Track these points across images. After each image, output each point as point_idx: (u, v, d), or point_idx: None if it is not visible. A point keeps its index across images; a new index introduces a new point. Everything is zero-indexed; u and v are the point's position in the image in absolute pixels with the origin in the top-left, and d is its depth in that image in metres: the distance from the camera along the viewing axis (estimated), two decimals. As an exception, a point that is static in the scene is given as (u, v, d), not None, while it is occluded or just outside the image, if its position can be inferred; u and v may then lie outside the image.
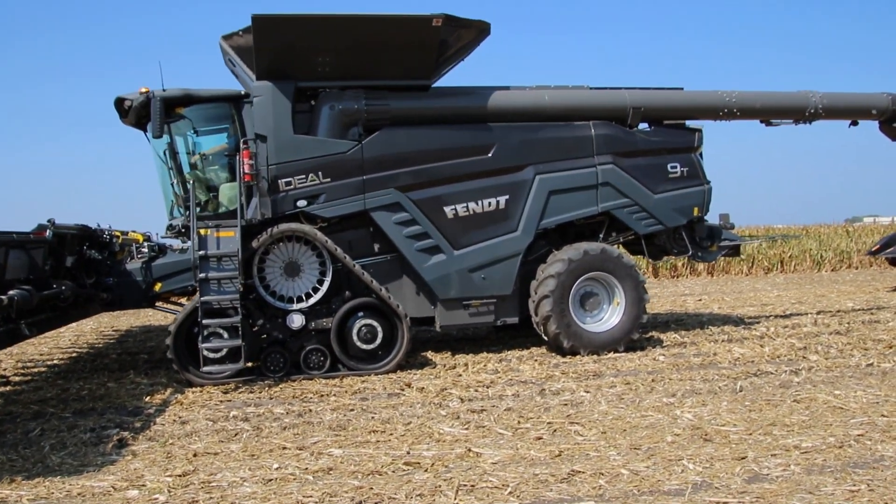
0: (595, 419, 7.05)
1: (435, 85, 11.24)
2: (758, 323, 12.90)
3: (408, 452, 6.23)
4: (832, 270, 26.78)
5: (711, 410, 7.16)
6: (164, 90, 9.62)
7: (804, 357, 9.68)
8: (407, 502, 5.11)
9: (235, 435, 7.05)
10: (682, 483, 5.21)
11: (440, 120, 10.30)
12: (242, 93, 9.98)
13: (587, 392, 8.16)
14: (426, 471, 5.74)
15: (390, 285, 10.27)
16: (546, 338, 10.28)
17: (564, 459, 5.86)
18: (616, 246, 11.76)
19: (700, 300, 17.73)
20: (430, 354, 10.80)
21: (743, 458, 5.66)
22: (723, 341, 11.00)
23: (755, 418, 6.83)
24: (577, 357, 10.11)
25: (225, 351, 9.24)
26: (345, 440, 6.70)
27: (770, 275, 25.94)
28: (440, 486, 5.37)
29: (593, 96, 10.83)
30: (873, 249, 19.40)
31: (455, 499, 5.13)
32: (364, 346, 9.63)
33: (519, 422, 7.04)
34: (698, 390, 8.06)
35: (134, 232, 11.59)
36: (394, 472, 5.76)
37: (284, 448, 6.53)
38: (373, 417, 7.45)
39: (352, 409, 7.85)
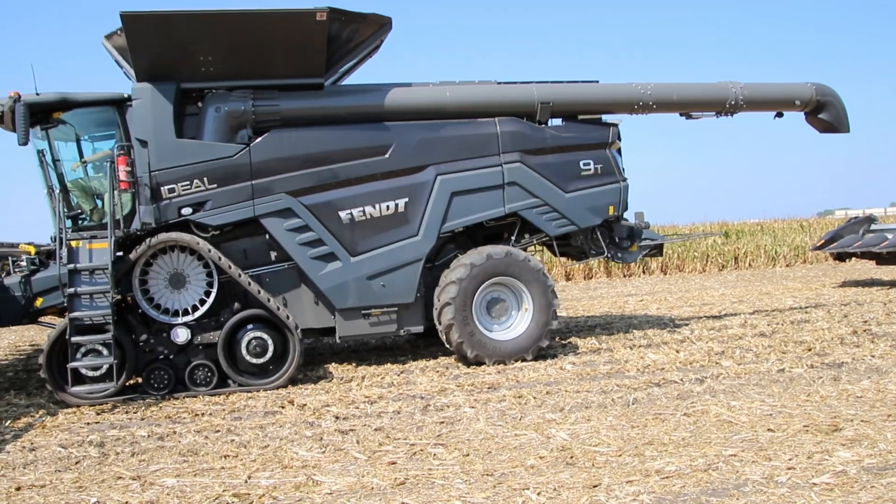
0: (465, 439, 6.55)
1: (344, 83, 10.83)
2: (686, 325, 12.46)
3: (245, 481, 5.71)
4: (787, 266, 26.46)
5: (592, 427, 6.68)
6: (36, 94, 9.05)
7: (717, 363, 9.23)
8: (207, 546, 4.59)
9: (77, 463, 6.50)
10: (516, 517, 4.72)
11: (335, 120, 9.78)
12: (126, 96, 9.41)
13: (472, 407, 7.66)
14: (250, 505, 5.23)
15: (289, 295, 9.78)
16: (450, 347, 9.79)
17: (405, 489, 5.35)
18: (534, 249, 11.34)
19: (642, 300, 17.30)
20: (332, 366, 10.28)
21: (595, 486, 5.17)
22: (640, 346, 10.54)
23: (633, 436, 6.35)
24: (482, 367, 9.62)
25: (104, 369, 8.70)
26: (188, 468, 6.16)
27: (724, 272, 25.58)
28: (252, 524, 4.86)
29: (498, 91, 10.33)
30: (818, 244, 19.04)
31: (260, 540, 4.62)
32: (254, 361, 9.11)
33: (381, 444, 6.53)
34: (590, 403, 7.58)
35: (29, 244, 10.97)
36: (216, 507, 5.24)
37: (119, 478, 5.99)
38: (233, 440, 6.92)
39: (217, 431, 7.31)
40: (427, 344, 11.53)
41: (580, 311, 15.66)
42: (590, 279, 24.39)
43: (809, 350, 9.77)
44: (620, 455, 5.86)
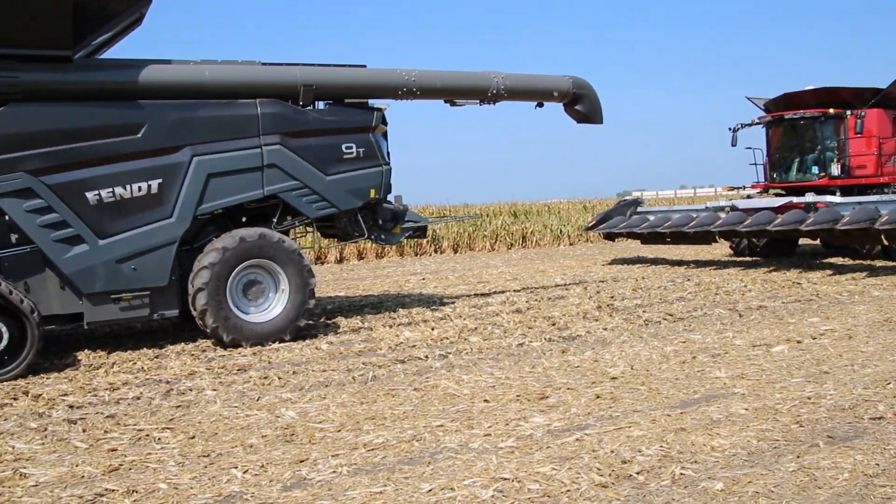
0: (196, 422, 6.59)
1: (102, 56, 10.44)
2: (453, 303, 13.03)
3: (-53, 478, 5.47)
4: (571, 245, 28.13)
5: (324, 405, 6.91)
6: None
7: (466, 339, 9.74)
8: None
9: None
10: (215, 495, 4.83)
11: (84, 96, 9.37)
12: None
13: (214, 390, 7.68)
14: (-60, 502, 5.02)
15: (32, 280, 9.27)
16: (206, 331, 9.72)
17: (116, 475, 5.32)
18: (303, 230, 11.44)
19: (424, 279, 17.85)
20: (84, 353, 9.88)
21: (302, 461, 5.38)
22: (399, 325, 10.94)
23: (359, 412, 6.63)
24: (239, 349, 9.64)
25: None
26: None
27: (511, 250, 26.83)
28: (-65, 521, 4.69)
29: (260, 72, 10.30)
30: (590, 225, 20.39)
31: (-62, 537, 4.47)
32: (-13, 351, 8.62)
33: (107, 431, 6.42)
34: (330, 382, 7.81)
35: None
36: None
37: None
38: (-52, 436, 6.57)
39: (-67, 428, 6.90)
40: (192, 326, 11.33)
41: (360, 291, 15.95)
42: (381, 258, 24.82)
43: (553, 325, 10.52)
44: (339, 431, 6.11)
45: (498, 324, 10.73)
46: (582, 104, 12.98)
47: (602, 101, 13.12)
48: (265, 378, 8.08)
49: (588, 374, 7.60)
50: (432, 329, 10.43)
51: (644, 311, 11.37)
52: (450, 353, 8.91)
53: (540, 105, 12.97)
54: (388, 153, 11.16)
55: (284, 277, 9.89)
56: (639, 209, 20.10)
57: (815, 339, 8.96)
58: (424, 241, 25.40)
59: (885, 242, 15.22)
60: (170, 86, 9.76)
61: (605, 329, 10.07)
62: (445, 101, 12.09)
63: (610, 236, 20.69)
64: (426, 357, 8.79)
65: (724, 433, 5.52)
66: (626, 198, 22.90)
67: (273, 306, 9.96)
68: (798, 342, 8.80)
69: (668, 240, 19.15)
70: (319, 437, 5.98)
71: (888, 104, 18.35)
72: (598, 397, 6.70)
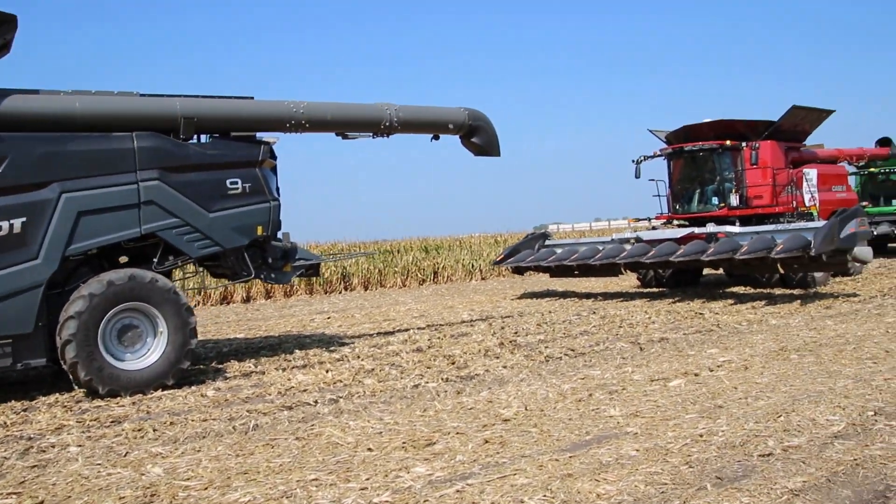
0: (49, 485, 5.96)
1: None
2: (353, 343, 12.57)
3: None
4: (483, 279, 27.98)
5: (196, 459, 6.37)
6: None
7: (360, 382, 9.31)
8: None
9: None
10: (43, 575, 4.28)
11: None
12: None
13: (80, 446, 7.03)
14: None
15: None
16: (78, 386, 9.00)
17: (-64, 553, 4.71)
18: (193, 269, 10.84)
19: (329, 318, 17.31)
20: (-57, 408, 9.07)
21: (154, 527, 4.86)
22: (294, 368, 10.43)
23: (232, 466, 6.12)
24: (118, 398, 8.96)
25: None
26: None
27: (423, 286, 26.49)
28: None
29: (136, 104, 9.75)
30: (498, 259, 20.25)
31: None
32: None
33: (-60, 500, 5.76)
34: (209, 432, 7.26)
35: None
36: None
37: None
38: None
39: None
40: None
41: (262, 332, 15.32)
42: (290, 297, 24.13)
43: (453, 363, 10.18)
44: (206, 489, 5.61)
45: (396, 364, 10.33)
46: (478, 136, 12.82)
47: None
48: (139, 430, 7.47)
49: (480, 417, 7.26)
50: (327, 371, 9.95)
51: (546, 347, 11.15)
52: (341, 398, 8.46)
53: (436, 138, 12.75)
54: (278, 189, 10.73)
55: (162, 319, 9.26)
56: (547, 242, 20.07)
57: (712, 371, 8.87)
58: (332, 278, 24.88)
59: (782, 271, 15.49)
60: (35, 117, 9.12)
61: (505, 367, 9.78)
62: (337, 135, 11.72)
63: (518, 270, 20.59)
64: (315, 402, 8.32)
65: (612, 478, 5.24)
66: (535, 231, 22.89)
67: (152, 351, 9.30)
68: (696, 375, 8.68)
69: (576, 272, 19.17)
70: (183, 496, 5.46)
71: (780, 136, 18.90)
72: (486, 442, 6.35)
